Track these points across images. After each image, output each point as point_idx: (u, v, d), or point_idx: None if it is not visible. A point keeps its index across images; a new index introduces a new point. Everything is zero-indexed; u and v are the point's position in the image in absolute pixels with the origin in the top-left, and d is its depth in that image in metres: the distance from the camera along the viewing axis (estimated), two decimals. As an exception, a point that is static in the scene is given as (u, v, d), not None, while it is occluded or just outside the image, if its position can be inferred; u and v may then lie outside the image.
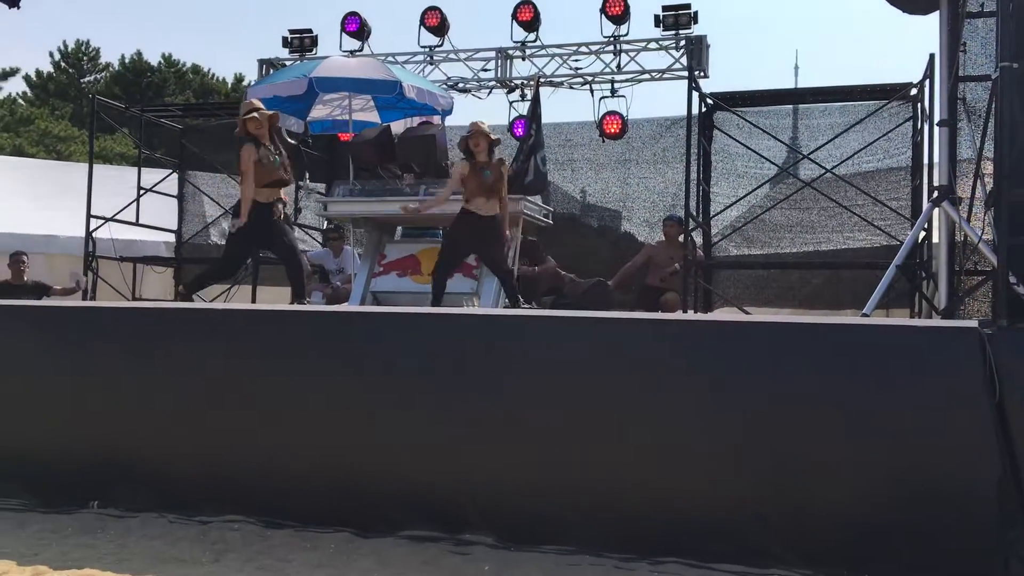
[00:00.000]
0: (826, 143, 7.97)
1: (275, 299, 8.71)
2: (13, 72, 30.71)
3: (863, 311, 5.08)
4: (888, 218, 7.88)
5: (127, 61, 32.75)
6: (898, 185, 8.14)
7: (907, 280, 6.83)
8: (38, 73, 33.21)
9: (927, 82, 7.39)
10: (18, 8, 9.19)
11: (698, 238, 8.17)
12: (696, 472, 4.02)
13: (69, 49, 33.90)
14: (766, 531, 3.90)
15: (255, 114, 6.37)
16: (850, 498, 3.84)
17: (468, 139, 6.51)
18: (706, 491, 3.99)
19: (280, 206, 6.50)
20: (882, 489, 3.81)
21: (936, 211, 5.79)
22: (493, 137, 6.57)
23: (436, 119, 8.13)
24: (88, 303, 8.29)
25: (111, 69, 33.46)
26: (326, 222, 9.29)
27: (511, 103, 10.49)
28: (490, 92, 10.64)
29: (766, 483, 3.94)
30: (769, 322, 4.26)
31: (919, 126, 7.80)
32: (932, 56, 7.08)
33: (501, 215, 6.48)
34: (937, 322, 4.83)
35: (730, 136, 8.33)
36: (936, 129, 5.96)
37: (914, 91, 7.83)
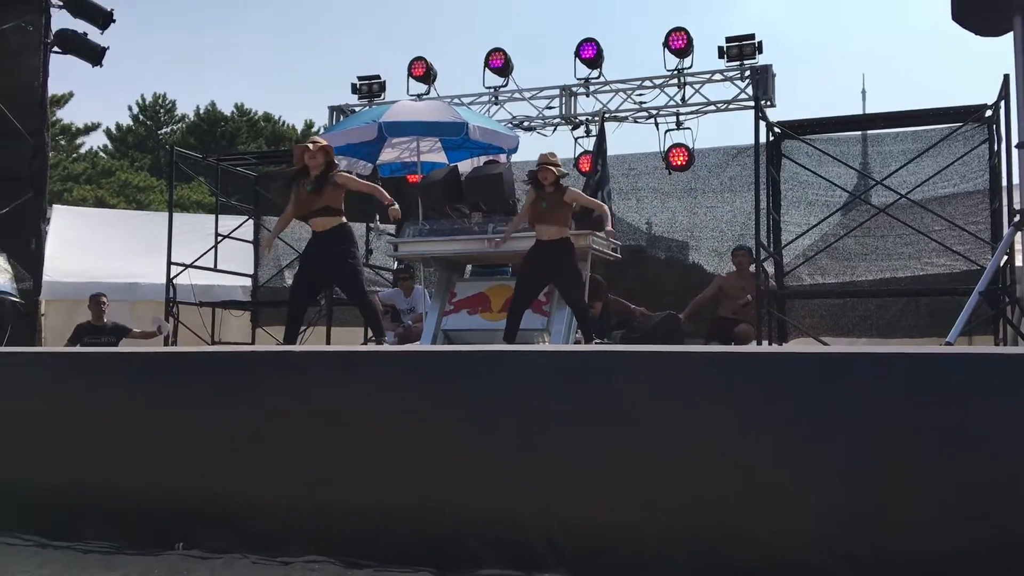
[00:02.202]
0: (899, 168, 7.83)
1: (350, 340, 8.85)
2: (95, 127, 32.00)
3: (946, 339, 4.95)
4: (967, 243, 7.68)
5: (202, 112, 33.91)
6: (976, 209, 7.94)
7: (990, 306, 6.64)
8: (118, 126, 34.61)
9: (1002, 103, 7.23)
10: (100, 66, 9.65)
11: (769, 268, 8.07)
12: (783, 509, 3.91)
13: (147, 102, 35.25)
14: (855, 569, 3.78)
15: (308, 144, 6.53)
16: (939, 528, 3.71)
17: (536, 172, 6.65)
18: (793, 528, 3.89)
19: (334, 236, 6.35)
20: (971, 521, 3.68)
21: (1018, 235, 5.64)
22: (560, 171, 6.65)
23: (502, 157, 8.23)
24: (175, 348, 8.53)
25: (187, 120, 34.66)
26: (396, 262, 9.43)
27: (576, 139, 10.57)
28: (555, 129, 10.74)
29: (858, 518, 3.81)
30: (862, 353, 4.14)
31: (995, 148, 7.62)
32: (1007, 77, 6.93)
33: (565, 234, 6.54)
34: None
35: (799, 164, 8.24)
36: (1015, 151, 5.82)
37: (989, 113, 7.66)
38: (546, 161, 6.69)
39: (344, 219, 6.42)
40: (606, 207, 6.76)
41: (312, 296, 6.86)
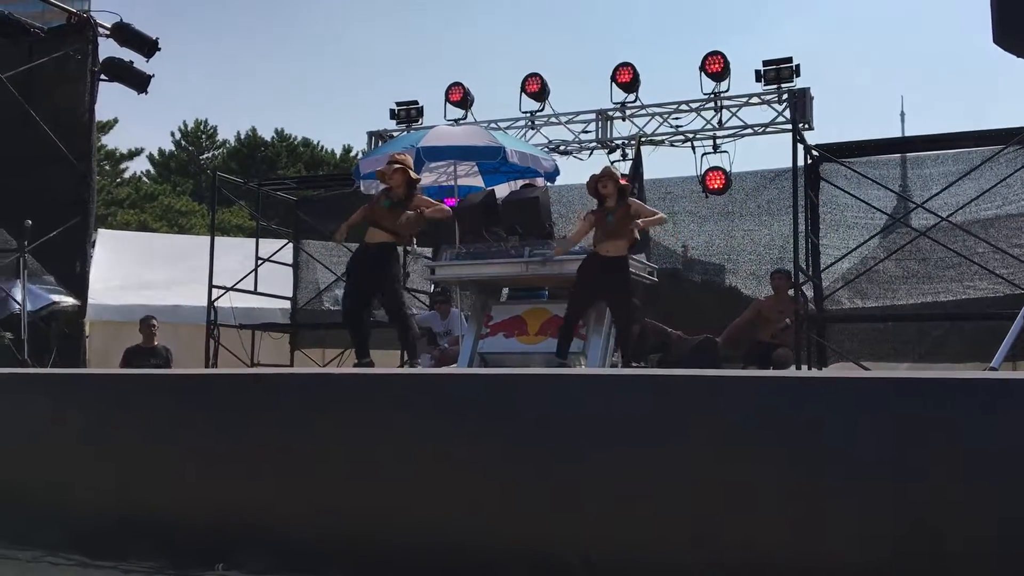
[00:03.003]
0: (941, 191, 7.75)
1: (388, 362, 8.89)
2: (138, 152, 32.69)
3: (991, 364, 4.86)
4: (1010, 266, 7.57)
5: (242, 137, 34.45)
6: (1019, 231, 7.83)
7: (1036, 330, 6.50)
8: (160, 152, 35.28)
9: (1045, 125, 7.15)
10: (146, 93, 9.88)
11: (808, 291, 8.00)
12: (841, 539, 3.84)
13: (189, 128, 35.90)
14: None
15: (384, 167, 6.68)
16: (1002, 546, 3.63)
17: (598, 180, 6.60)
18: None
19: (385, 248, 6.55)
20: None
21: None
22: (623, 182, 6.62)
23: (539, 181, 8.26)
24: (206, 371, 8.63)
25: (227, 145, 35.23)
26: (433, 285, 9.47)
27: (612, 163, 10.55)
28: (591, 153, 10.76)
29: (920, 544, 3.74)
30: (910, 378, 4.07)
31: (1039, 170, 7.53)
32: (1049, 98, 6.84)
33: (631, 240, 6.53)
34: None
35: (838, 187, 8.17)
36: (1059, 173, 5.74)
37: (1032, 134, 7.56)
38: (609, 171, 6.66)
39: (396, 239, 6.60)
40: (663, 215, 6.79)
41: (364, 303, 6.82)
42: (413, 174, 6.66)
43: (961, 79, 56.29)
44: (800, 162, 7.96)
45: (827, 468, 3.90)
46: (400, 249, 6.80)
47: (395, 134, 11.04)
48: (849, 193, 8.08)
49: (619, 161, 10.46)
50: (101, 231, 13.44)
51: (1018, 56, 5.47)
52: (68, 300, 8.79)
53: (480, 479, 4.52)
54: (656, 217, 6.70)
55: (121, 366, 8.92)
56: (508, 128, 10.72)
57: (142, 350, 9.10)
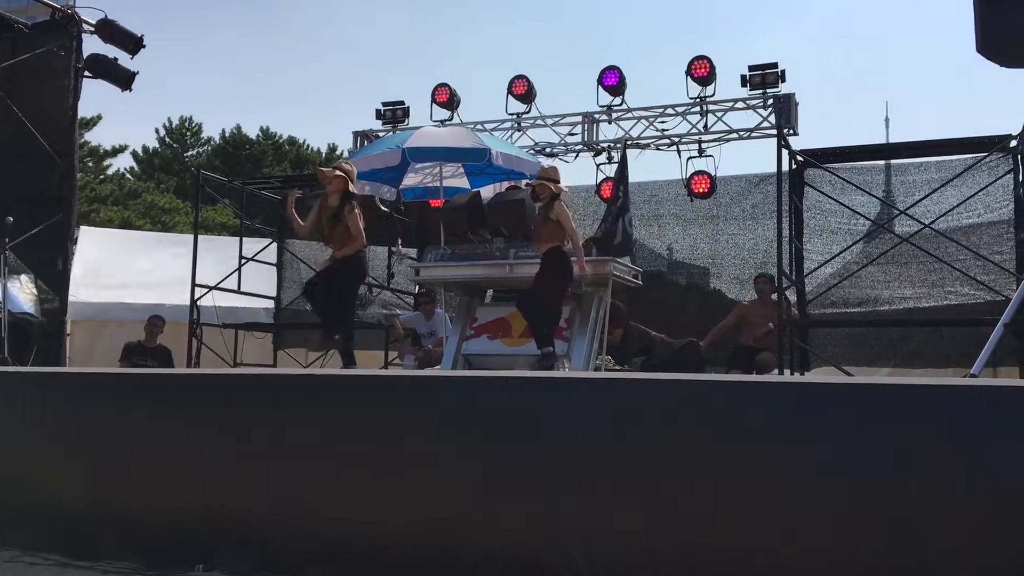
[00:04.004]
0: (923, 198, 7.79)
1: (372, 363, 8.88)
2: (122, 149, 32.38)
3: (971, 371, 4.89)
4: (991, 273, 7.63)
5: (227, 135, 34.24)
6: (1000, 239, 7.89)
7: (1016, 338, 6.57)
8: (144, 149, 34.99)
9: (1027, 133, 7.21)
10: (130, 90, 9.79)
11: (792, 296, 8.04)
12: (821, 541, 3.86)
13: (173, 125, 35.66)
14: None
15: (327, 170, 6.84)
16: (977, 557, 3.65)
17: (535, 187, 6.75)
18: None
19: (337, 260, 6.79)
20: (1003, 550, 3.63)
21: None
22: (557, 188, 6.67)
23: (524, 183, 8.26)
24: (191, 371, 8.59)
25: (212, 143, 35.03)
26: (417, 286, 9.46)
27: (598, 166, 10.61)
28: (577, 156, 10.78)
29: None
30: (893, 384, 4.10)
31: (1020, 178, 7.59)
32: (1031, 107, 6.90)
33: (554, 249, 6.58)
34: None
35: (822, 192, 8.21)
36: (1039, 181, 5.79)
37: (1014, 143, 7.63)
38: (545, 177, 6.74)
39: (355, 251, 6.75)
40: (579, 241, 6.72)
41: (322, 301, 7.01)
42: (352, 187, 6.78)
43: (945, 87, 56.74)
44: (784, 167, 7.99)
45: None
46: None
47: (381, 134, 11.02)
48: (833, 199, 8.12)
49: (605, 164, 10.50)
50: (84, 228, 13.33)
51: (1000, 65, 5.51)
52: (40, 320, 8.71)
53: (466, 483, 4.51)
54: (570, 231, 6.59)
55: (120, 360, 8.93)
56: (494, 130, 10.72)
57: (143, 348, 9.10)
